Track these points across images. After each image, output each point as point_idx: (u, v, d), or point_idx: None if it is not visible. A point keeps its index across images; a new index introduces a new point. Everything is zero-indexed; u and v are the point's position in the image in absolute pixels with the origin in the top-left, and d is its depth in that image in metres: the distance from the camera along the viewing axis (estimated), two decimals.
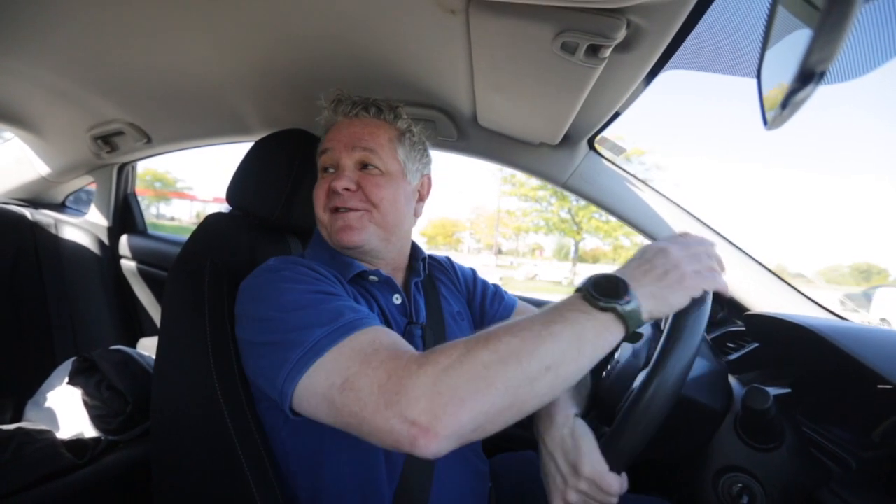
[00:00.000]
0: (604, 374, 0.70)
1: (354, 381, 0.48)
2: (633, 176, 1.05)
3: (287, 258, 0.68)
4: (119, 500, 1.00)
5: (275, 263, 0.66)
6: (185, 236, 0.83)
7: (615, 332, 0.48)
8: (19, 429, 1.00)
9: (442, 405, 0.44)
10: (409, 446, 0.44)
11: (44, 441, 0.98)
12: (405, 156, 0.75)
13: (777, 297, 0.97)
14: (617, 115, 0.89)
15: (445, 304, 0.82)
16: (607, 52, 0.59)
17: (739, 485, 0.60)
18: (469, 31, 0.64)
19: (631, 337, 0.50)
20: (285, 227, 0.88)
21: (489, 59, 0.70)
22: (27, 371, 1.32)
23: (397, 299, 0.73)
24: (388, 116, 0.75)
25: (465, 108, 0.96)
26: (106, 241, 1.70)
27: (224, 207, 0.90)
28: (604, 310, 0.47)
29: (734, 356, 0.91)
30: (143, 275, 1.65)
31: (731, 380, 0.73)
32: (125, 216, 1.74)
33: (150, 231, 1.77)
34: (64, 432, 1.07)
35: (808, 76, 0.32)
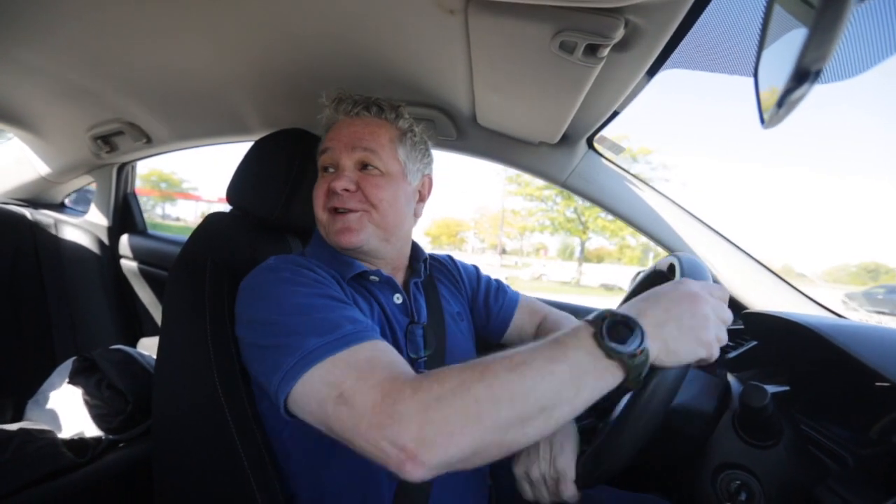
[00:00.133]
0: None
1: (349, 396, 0.47)
2: (632, 175, 1.06)
3: (287, 257, 0.68)
4: (120, 499, 1.01)
5: (274, 263, 0.66)
6: (186, 236, 0.83)
7: (616, 377, 0.46)
8: (20, 428, 1.00)
9: (432, 435, 0.43)
10: (395, 468, 0.44)
11: (44, 440, 0.98)
12: (406, 156, 0.74)
13: (775, 295, 0.97)
14: (616, 114, 0.89)
15: (445, 305, 0.82)
16: (605, 52, 0.59)
17: (738, 482, 0.60)
18: (468, 31, 0.64)
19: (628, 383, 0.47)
20: (285, 227, 0.88)
21: (488, 58, 0.71)
22: (27, 371, 1.32)
23: (398, 299, 0.74)
24: (389, 116, 0.74)
25: (465, 108, 0.96)
26: (106, 240, 1.70)
27: (229, 208, 0.91)
28: (611, 357, 0.45)
29: (733, 354, 0.91)
30: (143, 274, 1.65)
31: (730, 378, 0.73)
32: (125, 216, 1.74)
33: (150, 231, 1.77)
34: (65, 431, 1.07)
35: (803, 75, 0.32)
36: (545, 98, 0.79)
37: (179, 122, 1.24)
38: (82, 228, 1.64)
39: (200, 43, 0.83)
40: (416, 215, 0.80)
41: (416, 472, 0.44)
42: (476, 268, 0.96)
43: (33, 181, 1.60)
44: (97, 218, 1.72)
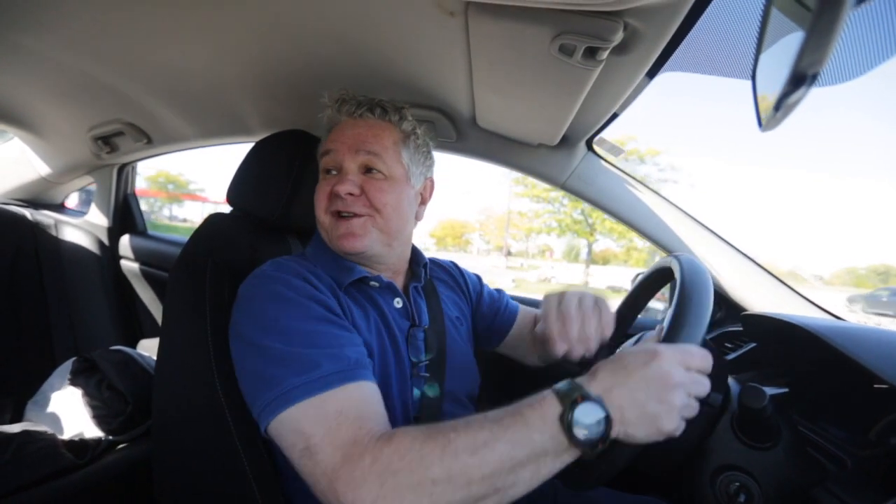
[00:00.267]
0: None
1: (314, 452, 0.49)
2: (632, 176, 1.06)
3: (285, 263, 0.67)
4: (120, 500, 1.01)
5: (271, 270, 0.65)
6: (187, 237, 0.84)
7: (574, 456, 0.47)
8: (20, 429, 1.01)
9: None
10: None
11: (44, 441, 0.98)
12: (409, 159, 0.73)
13: (774, 296, 0.97)
14: (615, 116, 0.89)
15: (446, 309, 0.82)
16: (605, 55, 0.59)
17: (737, 483, 0.60)
18: (468, 33, 0.64)
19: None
20: (286, 228, 0.89)
21: (488, 60, 0.71)
22: (27, 371, 1.32)
23: (398, 303, 0.73)
24: (393, 118, 0.73)
25: (464, 110, 0.96)
26: (106, 241, 1.70)
27: None
28: (574, 444, 0.45)
29: (732, 356, 0.92)
30: (144, 275, 1.66)
31: (729, 379, 0.73)
32: (125, 217, 1.75)
33: (150, 231, 1.77)
34: (64, 432, 1.07)
35: (800, 78, 0.32)
36: (545, 100, 0.80)
37: (180, 123, 1.25)
38: (82, 229, 1.64)
39: (201, 43, 0.83)
40: (418, 218, 0.80)
41: None
42: (479, 277, 0.96)
43: (33, 181, 1.60)
44: (97, 218, 1.72)
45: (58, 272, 1.51)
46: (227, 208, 0.88)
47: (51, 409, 1.12)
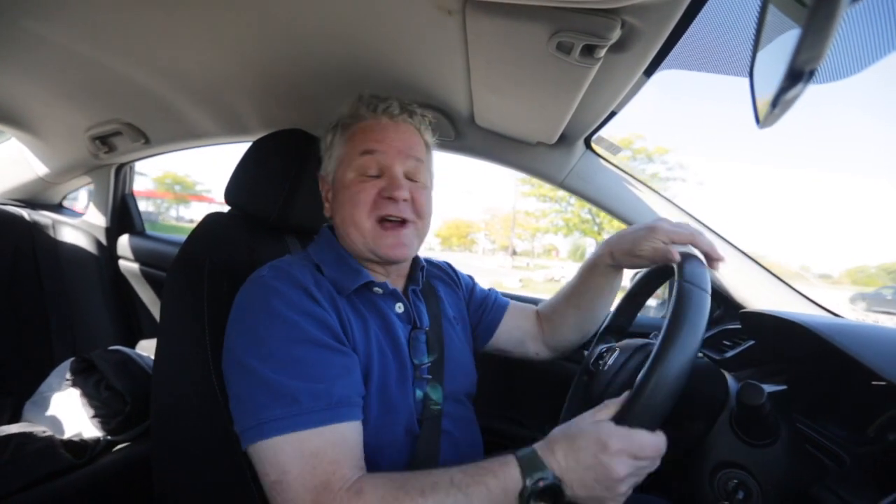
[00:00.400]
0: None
1: (284, 488, 0.51)
2: (630, 175, 1.06)
3: (284, 269, 0.65)
4: (118, 500, 1.01)
5: (269, 277, 0.63)
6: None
7: None
8: (19, 429, 1.00)
9: None
10: None
11: (43, 441, 0.98)
12: (431, 167, 0.76)
13: (772, 294, 0.97)
14: (613, 114, 0.89)
15: (444, 308, 0.82)
16: (602, 52, 0.59)
17: (735, 481, 0.60)
18: (465, 32, 0.64)
19: None
20: (284, 227, 0.89)
21: (486, 59, 0.71)
22: (26, 371, 1.32)
23: (399, 308, 0.72)
24: (422, 126, 0.74)
25: (463, 108, 0.96)
26: (104, 241, 1.70)
27: None
28: None
29: (730, 354, 0.92)
30: (142, 275, 1.65)
31: (727, 377, 0.74)
32: (123, 217, 1.74)
33: (148, 231, 1.77)
34: (63, 432, 1.07)
35: (797, 75, 0.32)
36: (543, 98, 0.80)
37: (177, 123, 1.24)
38: (80, 229, 1.64)
39: (199, 43, 0.83)
40: None
41: None
42: (471, 277, 0.97)
43: (31, 181, 1.60)
44: (95, 218, 1.72)
45: (56, 272, 1.51)
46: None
47: (49, 409, 1.12)
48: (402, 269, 0.78)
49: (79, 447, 1.02)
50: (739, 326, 0.94)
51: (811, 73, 0.32)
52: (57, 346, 1.45)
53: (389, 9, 0.66)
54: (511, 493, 0.49)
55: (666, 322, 0.52)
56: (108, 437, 1.08)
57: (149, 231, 1.77)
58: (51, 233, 1.55)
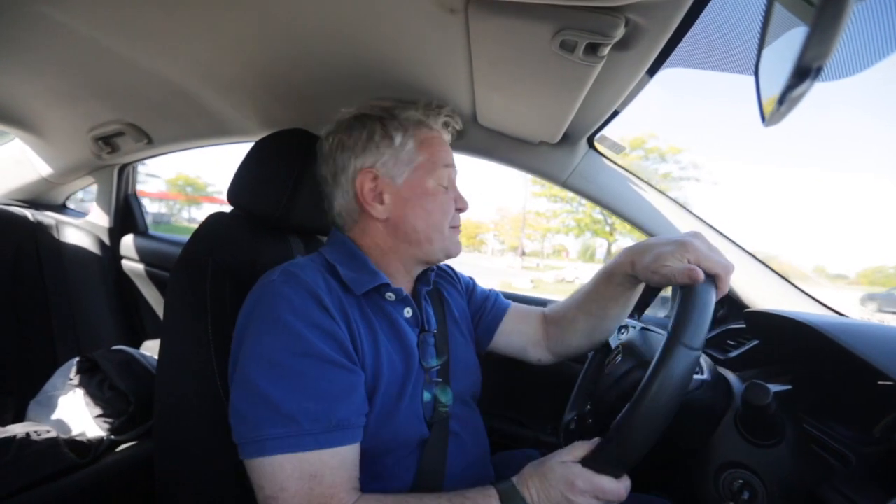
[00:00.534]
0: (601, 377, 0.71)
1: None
2: (633, 174, 1.06)
3: (296, 273, 0.63)
4: (121, 500, 1.01)
5: (280, 283, 0.61)
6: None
7: None
8: (22, 429, 1.01)
9: None
10: None
11: (46, 441, 0.98)
12: None
13: (777, 294, 0.97)
14: (616, 113, 0.89)
15: (450, 310, 0.83)
16: (606, 51, 0.59)
17: (740, 481, 0.60)
18: (468, 30, 0.64)
19: None
20: (286, 227, 0.89)
21: (488, 57, 0.71)
22: (29, 371, 1.33)
23: (408, 312, 0.72)
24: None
25: (465, 107, 0.96)
26: (107, 241, 1.70)
27: None
28: None
29: (734, 354, 0.91)
30: (146, 275, 1.66)
31: (732, 377, 0.73)
32: (126, 217, 1.75)
33: (151, 231, 1.78)
34: (66, 432, 1.08)
35: (803, 73, 0.32)
36: (546, 97, 0.79)
37: (180, 123, 1.25)
38: (84, 229, 1.64)
39: (201, 44, 0.83)
40: None
41: None
42: (472, 278, 0.97)
43: (34, 182, 1.61)
44: (98, 219, 1.73)
45: (59, 272, 1.52)
46: None
47: (53, 409, 1.12)
48: (416, 270, 0.78)
49: (82, 447, 1.02)
50: (744, 326, 0.94)
51: (818, 70, 0.32)
52: (60, 346, 1.45)
53: (391, 8, 0.66)
54: None
55: (645, 378, 0.51)
56: (112, 437, 1.09)
57: (152, 231, 1.78)
58: (54, 233, 1.55)
